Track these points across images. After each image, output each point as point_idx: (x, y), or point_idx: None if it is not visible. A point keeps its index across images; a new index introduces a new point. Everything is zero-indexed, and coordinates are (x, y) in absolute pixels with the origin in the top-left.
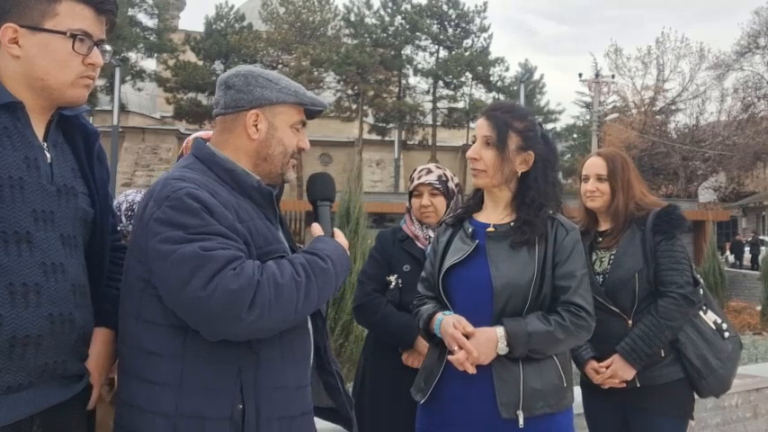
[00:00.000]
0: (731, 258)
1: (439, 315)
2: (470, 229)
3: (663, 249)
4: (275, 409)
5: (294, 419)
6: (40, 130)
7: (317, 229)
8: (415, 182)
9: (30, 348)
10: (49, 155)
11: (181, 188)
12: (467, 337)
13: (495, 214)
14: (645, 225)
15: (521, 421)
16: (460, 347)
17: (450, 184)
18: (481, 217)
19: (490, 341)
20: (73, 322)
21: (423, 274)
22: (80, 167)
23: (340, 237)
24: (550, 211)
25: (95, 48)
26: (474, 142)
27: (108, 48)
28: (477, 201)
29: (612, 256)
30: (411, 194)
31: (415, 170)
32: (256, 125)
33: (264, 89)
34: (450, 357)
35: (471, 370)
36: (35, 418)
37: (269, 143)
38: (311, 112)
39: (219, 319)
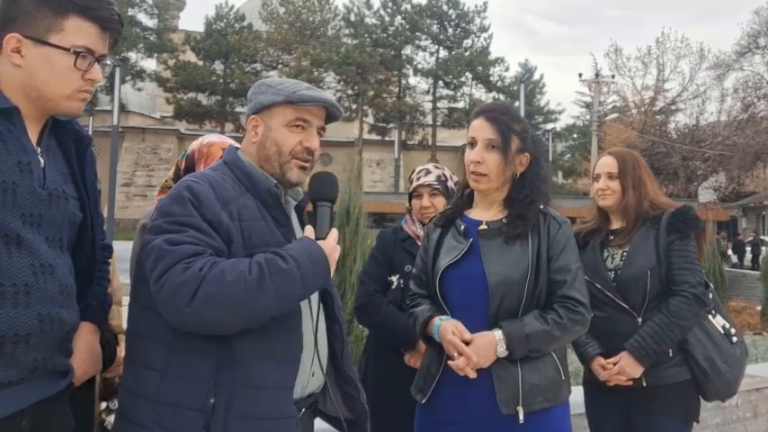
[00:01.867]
0: (734, 258)
1: (436, 320)
2: (462, 227)
3: (676, 249)
4: (248, 408)
5: (269, 421)
6: (34, 135)
7: (308, 230)
8: (415, 183)
9: (20, 346)
10: (42, 159)
11: (185, 180)
12: (466, 343)
13: (486, 211)
14: (659, 224)
15: (521, 417)
16: (460, 354)
17: (450, 184)
18: (473, 214)
19: (489, 345)
20: (61, 321)
21: (414, 271)
22: (71, 172)
23: (331, 237)
24: (541, 206)
25: (96, 63)
26: (472, 145)
27: (108, 62)
28: (467, 199)
29: (625, 254)
30: (411, 196)
31: (414, 171)
32: (255, 129)
33: (261, 95)
34: (450, 363)
35: (472, 375)
36: (24, 412)
37: (264, 144)
38: (329, 115)
39: (167, 309)
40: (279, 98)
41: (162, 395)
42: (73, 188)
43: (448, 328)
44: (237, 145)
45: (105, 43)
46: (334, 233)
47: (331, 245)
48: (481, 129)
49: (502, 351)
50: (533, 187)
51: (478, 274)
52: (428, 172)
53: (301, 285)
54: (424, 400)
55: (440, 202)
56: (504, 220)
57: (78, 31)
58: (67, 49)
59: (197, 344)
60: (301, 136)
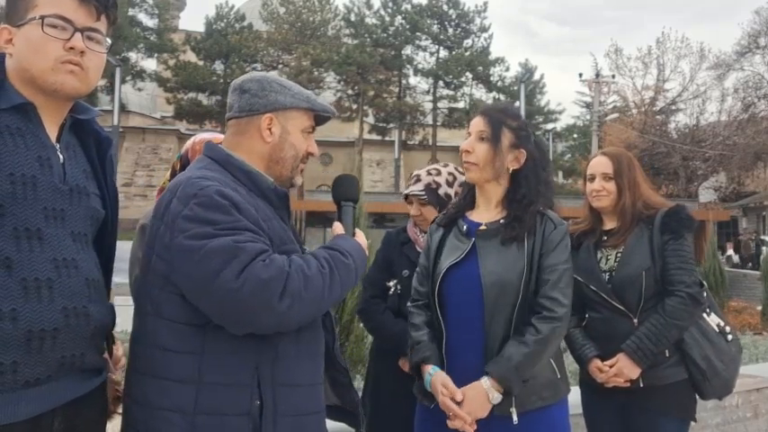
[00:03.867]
0: (735, 258)
1: (428, 370)
2: (464, 227)
3: (671, 249)
4: (290, 406)
5: (307, 417)
6: (52, 132)
7: (338, 227)
8: (405, 191)
9: (46, 342)
10: (61, 156)
11: (208, 186)
12: (458, 402)
13: (487, 212)
14: (652, 224)
15: (514, 418)
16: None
17: (443, 190)
18: (474, 215)
19: (480, 396)
20: (88, 316)
21: (417, 269)
22: (92, 170)
23: (360, 236)
24: (540, 208)
25: (79, 33)
26: (467, 138)
27: (105, 39)
28: (468, 200)
29: (619, 254)
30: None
31: (411, 174)
32: (270, 128)
33: (279, 94)
34: (449, 424)
35: (471, 430)
36: (56, 411)
37: (282, 146)
38: (319, 118)
39: (251, 310)
40: (302, 104)
41: (201, 406)
42: (95, 185)
43: (437, 387)
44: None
45: (89, 15)
46: (360, 233)
47: (364, 242)
48: (475, 124)
49: (496, 397)
50: (531, 187)
51: (475, 274)
52: (418, 180)
53: (355, 278)
54: (432, 405)
55: (429, 211)
56: (502, 221)
57: (48, 3)
58: (34, 19)
59: (233, 349)
60: (308, 142)
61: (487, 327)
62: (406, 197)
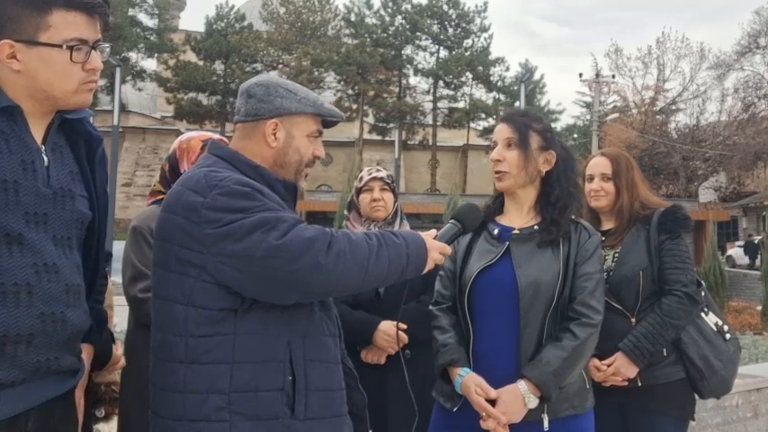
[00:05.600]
0: (746, 260)
1: (458, 372)
2: (496, 231)
3: (668, 248)
4: (320, 381)
5: (334, 392)
6: (39, 134)
7: (431, 232)
8: (366, 178)
9: (21, 346)
10: (46, 158)
11: (226, 177)
12: (492, 401)
13: (518, 218)
14: (649, 224)
15: (545, 424)
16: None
17: (395, 186)
18: (504, 220)
19: (516, 399)
20: (65, 321)
21: (441, 272)
22: (80, 170)
23: (441, 245)
24: (573, 216)
25: (93, 51)
26: (494, 146)
27: (106, 46)
28: (498, 205)
29: (616, 254)
30: (360, 191)
31: (362, 170)
32: (275, 133)
33: (284, 99)
34: (482, 424)
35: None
36: (30, 413)
37: (286, 151)
38: (327, 121)
39: (300, 268)
40: (308, 109)
41: (236, 385)
42: (82, 186)
43: (470, 386)
44: (221, 138)
45: (95, 28)
46: (445, 246)
47: (434, 243)
48: (500, 131)
49: (533, 401)
50: (563, 189)
51: (509, 276)
52: (379, 170)
53: (406, 263)
54: (456, 409)
55: (389, 198)
56: (536, 226)
57: (66, 24)
58: (60, 46)
59: (265, 327)
60: (314, 145)
61: (522, 330)
62: (365, 185)
